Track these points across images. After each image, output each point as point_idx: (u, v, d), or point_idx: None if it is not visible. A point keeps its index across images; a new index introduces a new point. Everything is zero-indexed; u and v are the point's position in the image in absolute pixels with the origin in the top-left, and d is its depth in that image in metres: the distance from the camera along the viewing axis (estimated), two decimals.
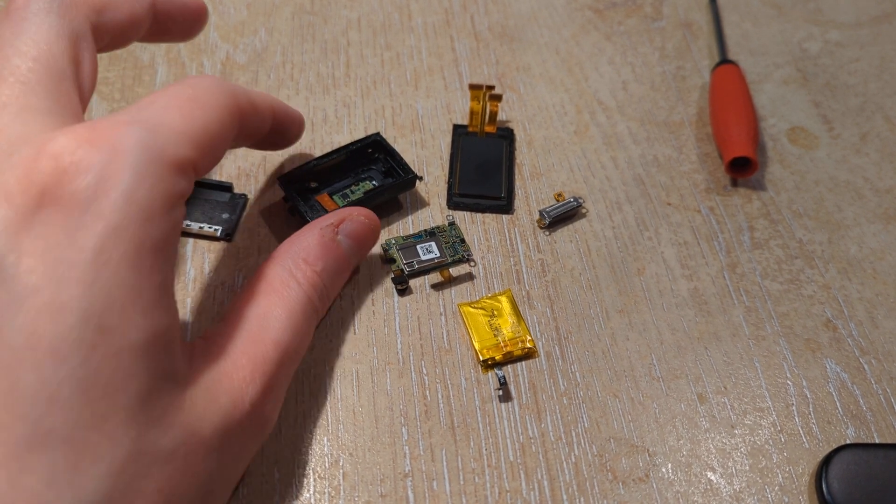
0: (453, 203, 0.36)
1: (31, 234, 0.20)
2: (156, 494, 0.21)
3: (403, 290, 0.33)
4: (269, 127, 0.30)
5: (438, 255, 0.34)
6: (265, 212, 0.35)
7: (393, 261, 0.33)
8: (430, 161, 0.38)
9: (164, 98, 0.24)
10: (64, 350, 0.20)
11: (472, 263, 0.34)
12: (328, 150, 0.38)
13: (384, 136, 0.37)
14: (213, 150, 0.25)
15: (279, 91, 0.40)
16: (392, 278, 0.33)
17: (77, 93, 0.25)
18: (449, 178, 0.37)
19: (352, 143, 0.35)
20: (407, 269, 0.33)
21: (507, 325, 0.32)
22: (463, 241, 0.35)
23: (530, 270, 0.34)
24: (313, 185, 0.35)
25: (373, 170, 0.36)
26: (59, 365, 0.20)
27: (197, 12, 0.34)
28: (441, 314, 0.32)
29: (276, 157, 0.38)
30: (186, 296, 0.32)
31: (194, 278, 0.33)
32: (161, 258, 0.22)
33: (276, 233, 0.35)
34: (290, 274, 0.28)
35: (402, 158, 0.35)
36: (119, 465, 0.21)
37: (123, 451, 0.21)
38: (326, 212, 0.33)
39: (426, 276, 0.34)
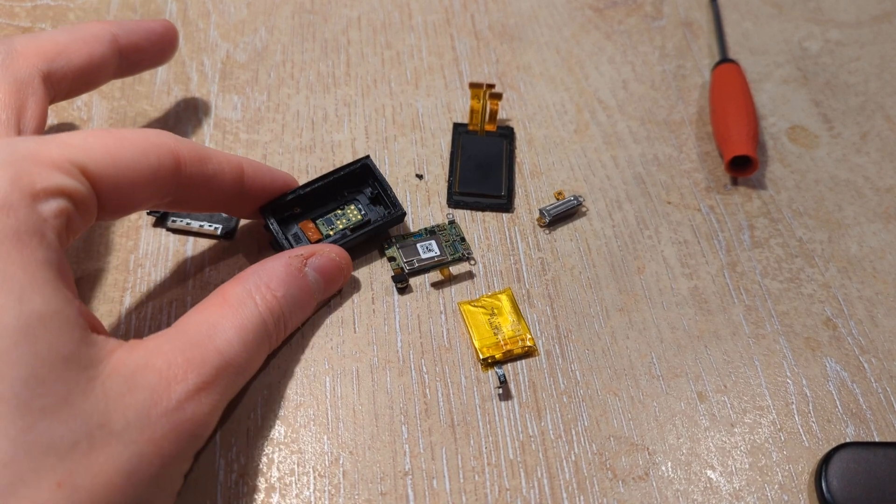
0: (453, 202, 0.36)
1: None
2: (55, 489, 0.20)
3: (403, 289, 0.33)
4: (232, 187, 0.30)
5: (438, 253, 0.34)
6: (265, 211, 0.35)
7: (393, 259, 0.33)
8: (430, 160, 0.38)
9: (86, 130, 0.26)
10: None
11: (473, 262, 0.34)
12: (328, 151, 0.38)
13: (376, 157, 0.36)
14: (120, 172, 0.25)
15: (279, 90, 0.40)
16: (392, 277, 0.33)
17: (13, 134, 0.26)
18: (449, 177, 0.37)
19: (340, 169, 0.34)
20: (407, 268, 0.33)
21: (508, 323, 0.32)
22: (463, 239, 0.35)
23: (530, 269, 0.34)
24: (297, 210, 0.33)
25: (361, 193, 0.35)
26: None
27: (165, 36, 0.35)
28: (441, 312, 0.32)
29: (275, 156, 0.38)
30: (186, 294, 0.32)
31: (194, 277, 0.33)
32: (30, 247, 0.21)
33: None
34: (249, 294, 0.28)
35: (391, 190, 0.34)
36: (6, 456, 0.20)
37: (9, 444, 0.20)
38: (308, 241, 0.33)
39: (426, 275, 0.34)
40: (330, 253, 0.31)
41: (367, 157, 0.34)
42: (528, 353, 0.31)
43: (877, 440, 0.30)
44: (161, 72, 0.41)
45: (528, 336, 0.31)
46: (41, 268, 0.22)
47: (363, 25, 0.44)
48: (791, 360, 0.32)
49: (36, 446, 0.20)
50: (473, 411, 0.30)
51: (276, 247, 0.32)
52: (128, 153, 0.25)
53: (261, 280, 0.28)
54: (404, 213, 0.33)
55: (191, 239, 0.34)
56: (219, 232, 0.34)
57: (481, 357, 0.31)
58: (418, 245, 0.34)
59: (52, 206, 0.22)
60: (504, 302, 0.32)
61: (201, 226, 0.34)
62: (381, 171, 0.37)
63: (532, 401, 0.30)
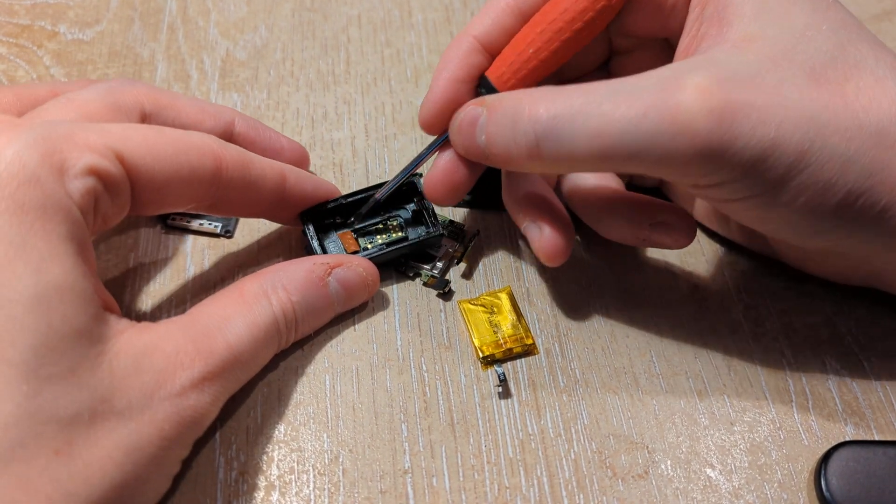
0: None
1: None
2: (53, 456, 0.21)
3: (447, 293, 0.33)
4: (273, 193, 0.30)
5: (448, 245, 0.34)
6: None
7: (419, 275, 0.33)
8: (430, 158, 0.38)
9: (126, 123, 0.26)
10: None
11: (477, 231, 0.34)
12: (328, 149, 0.38)
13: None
14: (160, 165, 0.25)
15: (279, 88, 0.40)
16: (434, 288, 0.33)
17: None
18: None
19: (385, 183, 0.33)
20: (438, 273, 0.33)
21: (507, 321, 0.32)
22: (451, 221, 0.35)
23: (530, 267, 0.34)
24: (337, 220, 0.33)
25: (403, 208, 0.34)
26: None
27: (296, 153, 0.35)
28: (441, 311, 0.32)
29: None
30: (186, 292, 0.32)
31: (194, 275, 0.33)
32: (54, 221, 0.22)
33: (276, 230, 0.35)
34: (265, 293, 0.28)
35: (433, 208, 0.33)
36: (8, 419, 0.20)
37: (13, 406, 0.20)
38: (345, 252, 0.32)
39: (455, 268, 0.33)
40: (357, 267, 0.31)
41: (419, 173, 0.34)
42: (528, 351, 0.31)
43: (876, 438, 0.30)
44: (161, 70, 0.41)
45: (528, 334, 0.31)
46: (63, 241, 0.22)
47: (363, 23, 0.44)
48: (791, 359, 0.32)
49: (39, 413, 0.21)
50: (473, 410, 0.30)
51: (309, 252, 0.32)
52: (168, 148, 0.26)
53: (279, 281, 0.28)
54: (441, 235, 0.33)
55: (190, 237, 0.34)
56: (219, 230, 0.34)
57: (481, 355, 0.31)
58: (428, 250, 0.34)
59: (80, 184, 0.23)
60: (504, 300, 0.32)
61: (201, 224, 0.34)
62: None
63: (532, 399, 0.30)
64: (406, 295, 0.33)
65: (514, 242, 0.35)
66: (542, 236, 0.30)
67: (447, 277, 0.33)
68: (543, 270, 0.34)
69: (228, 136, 0.32)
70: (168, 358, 0.24)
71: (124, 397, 0.23)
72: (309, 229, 0.32)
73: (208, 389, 0.25)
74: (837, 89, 0.25)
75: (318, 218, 0.32)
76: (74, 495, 0.21)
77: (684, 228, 0.30)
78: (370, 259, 0.32)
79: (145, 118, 0.29)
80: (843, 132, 0.24)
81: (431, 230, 0.33)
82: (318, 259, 0.30)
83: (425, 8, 0.45)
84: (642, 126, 0.24)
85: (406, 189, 0.34)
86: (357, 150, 0.38)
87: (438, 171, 0.30)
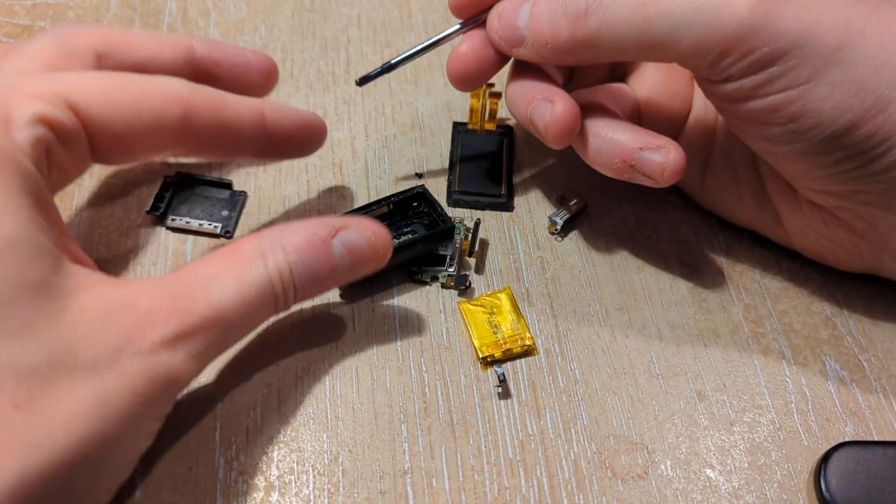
0: (453, 200, 0.36)
1: None
2: (11, 409, 0.20)
3: (467, 289, 0.33)
4: (253, 132, 0.29)
5: (454, 241, 0.34)
6: (265, 209, 0.36)
7: (436, 278, 0.33)
8: (430, 158, 0.38)
9: (83, 72, 0.26)
10: None
11: (478, 220, 0.34)
12: (328, 149, 0.38)
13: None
14: (117, 113, 0.25)
15: (279, 88, 0.40)
16: (453, 288, 0.33)
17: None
18: (449, 176, 0.37)
19: (395, 195, 0.33)
20: (454, 272, 0.33)
21: (507, 322, 0.32)
22: (451, 218, 0.34)
23: (530, 268, 0.34)
24: None
25: (415, 223, 0.34)
26: None
27: (260, 66, 0.34)
28: (440, 311, 0.32)
29: (282, 166, 0.38)
30: None
31: None
32: (5, 175, 0.21)
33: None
34: (261, 253, 0.26)
35: (442, 209, 0.33)
36: None
37: None
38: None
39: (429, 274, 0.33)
40: (366, 230, 0.28)
41: (423, 185, 0.34)
42: (528, 351, 0.31)
43: (876, 439, 0.30)
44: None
45: (528, 335, 0.31)
46: (14, 193, 0.22)
47: (363, 24, 0.44)
48: (790, 359, 0.32)
49: None
50: (473, 410, 0.30)
51: None
52: (127, 95, 0.25)
53: (277, 241, 0.26)
54: (452, 228, 0.33)
55: (190, 238, 0.34)
56: (218, 231, 0.34)
57: (481, 356, 0.31)
58: (436, 252, 0.34)
59: (28, 134, 0.22)
60: (503, 301, 0.32)
61: (200, 224, 0.34)
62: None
63: (531, 399, 0.30)
64: (406, 295, 0.33)
65: (513, 243, 0.35)
66: (553, 111, 0.29)
67: (464, 273, 0.33)
68: (543, 271, 0.34)
69: (191, 62, 0.31)
70: (140, 315, 0.23)
71: (89, 351, 0.22)
72: None
73: (182, 348, 0.23)
74: (873, 7, 0.26)
75: None
76: (37, 448, 0.21)
77: (674, 153, 0.29)
78: (393, 264, 0.31)
79: (100, 59, 0.28)
80: (877, 38, 0.26)
81: (442, 225, 0.33)
82: (324, 220, 0.28)
83: (425, 8, 0.45)
84: None
85: (415, 203, 0.34)
86: (357, 150, 0.38)
87: (467, 47, 0.31)
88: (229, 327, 0.25)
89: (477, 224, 0.34)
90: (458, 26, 0.32)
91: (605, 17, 0.27)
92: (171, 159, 0.37)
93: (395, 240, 0.33)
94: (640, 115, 0.35)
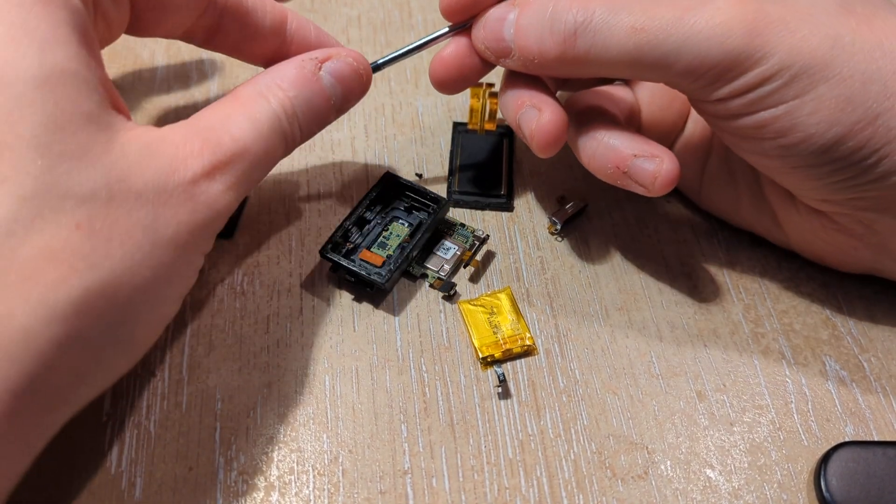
0: (453, 200, 0.36)
1: None
2: (73, 229, 0.21)
3: (452, 296, 0.33)
4: (270, 32, 0.30)
5: (457, 247, 0.34)
6: (265, 209, 0.36)
7: (426, 275, 0.33)
8: (430, 159, 0.38)
9: None
10: None
11: (486, 236, 0.34)
12: (328, 149, 0.38)
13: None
14: None
15: None
16: (439, 291, 0.33)
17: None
18: (449, 176, 0.37)
19: (369, 192, 0.34)
20: (444, 276, 0.33)
21: (507, 322, 0.32)
22: (462, 224, 0.35)
23: (530, 268, 0.34)
24: (350, 245, 0.33)
25: (396, 209, 0.34)
26: None
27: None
28: (440, 311, 0.32)
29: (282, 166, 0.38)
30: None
31: None
32: (53, 6, 0.22)
33: (276, 230, 0.35)
34: (261, 93, 0.27)
35: (423, 189, 0.34)
36: (26, 191, 0.20)
37: (30, 180, 0.21)
38: (374, 266, 0.32)
39: (462, 270, 0.34)
40: (347, 57, 0.30)
41: (387, 172, 0.34)
42: (528, 352, 0.31)
43: (876, 439, 0.30)
44: (161, 69, 0.41)
45: (528, 335, 0.31)
46: (64, 27, 0.22)
47: (363, 24, 0.44)
48: (790, 359, 0.32)
49: (55, 187, 0.21)
50: (473, 410, 0.30)
51: (357, 278, 0.32)
52: None
53: (272, 81, 0.28)
54: (447, 200, 0.33)
55: None
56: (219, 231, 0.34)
57: (481, 356, 0.31)
58: (436, 252, 0.34)
59: None
60: (503, 301, 0.32)
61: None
62: (381, 170, 0.37)
63: (531, 400, 0.30)
64: (406, 295, 0.33)
65: (513, 243, 0.35)
66: (541, 119, 0.29)
67: (453, 280, 0.33)
68: (543, 271, 0.34)
69: None
70: (177, 146, 0.24)
71: (139, 179, 0.23)
72: (338, 258, 0.32)
73: (220, 179, 0.25)
74: (864, 20, 0.27)
75: (336, 249, 0.32)
76: (97, 267, 0.22)
77: (668, 162, 0.29)
78: (409, 252, 0.32)
79: None
80: (867, 52, 0.26)
81: (436, 205, 0.33)
82: (306, 55, 0.29)
83: (425, 8, 0.45)
84: (679, 25, 0.26)
85: (386, 188, 0.34)
86: (357, 150, 0.38)
87: (450, 52, 0.31)
88: (253, 160, 0.26)
89: (485, 239, 0.34)
90: (446, 29, 0.32)
91: (594, 40, 0.27)
92: None
93: (388, 230, 0.34)
94: (641, 117, 0.35)
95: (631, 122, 0.34)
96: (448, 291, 0.32)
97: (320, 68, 0.29)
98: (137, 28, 0.27)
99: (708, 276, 0.34)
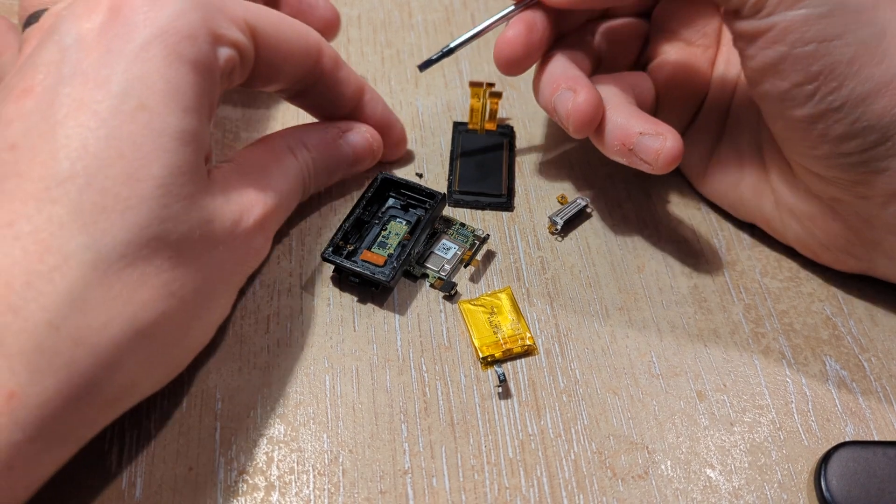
0: (453, 200, 0.36)
1: (94, 32, 0.25)
2: (166, 259, 0.25)
3: (453, 296, 0.33)
4: (351, 99, 0.34)
5: (457, 247, 0.34)
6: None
7: (426, 275, 0.33)
8: (430, 158, 0.38)
9: (257, 4, 0.29)
10: (104, 113, 0.24)
11: (487, 235, 0.34)
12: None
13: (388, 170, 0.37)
14: (278, 43, 0.29)
15: None
16: (440, 291, 0.33)
17: None
18: (449, 176, 0.37)
19: (364, 193, 0.34)
20: (444, 276, 0.33)
21: (507, 322, 0.32)
22: (462, 224, 0.35)
23: (530, 268, 0.34)
24: (350, 247, 0.33)
25: (392, 208, 0.35)
26: (97, 123, 0.24)
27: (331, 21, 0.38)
28: (441, 311, 0.32)
29: None
30: None
31: None
32: (200, 76, 0.26)
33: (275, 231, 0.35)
34: (290, 149, 0.32)
35: (418, 185, 0.34)
36: (142, 220, 0.24)
37: (147, 211, 0.24)
38: (376, 266, 0.32)
39: (462, 270, 0.33)
40: (365, 133, 0.34)
41: (381, 172, 0.34)
42: (528, 351, 0.31)
43: (876, 439, 0.30)
44: None
45: (528, 335, 0.31)
46: (203, 95, 0.26)
47: (363, 24, 0.44)
48: (790, 359, 0.32)
49: (166, 222, 0.24)
50: (473, 410, 0.30)
51: (361, 279, 0.32)
52: (288, 30, 0.30)
53: (300, 140, 0.32)
54: (444, 196, 0.34)
55: None
56: None
57: (481, 356, 0.31)
58: (436, 251, 0.34)
59: (225, 53, 0.27)
60: (504, 301, 0.32)
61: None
62: (381, 169, 0.37)
63: (531, 399, 0.30)
64: (406, 295, 0.33)
65: (514, 243, 0.35)
66: (576, 100, 0.30)
67: (453, 280, 0.33)
68: (544, 271, 0.34)
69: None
70: (241, 195, 0.28)
71: (220, 223, 0.27)
72: (342, 261, 0.32)
73: (264, 228, 0.29)
74: None
75: (338, 252, 0.32)
76: (174, 296, 0.25)
77: (672, 140, 0.30)
78: (407, 257, 0.32)
79: None
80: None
81: (433, 201, 0.34)
82: (331, 123, 0.34)
83: (425, 8, 0.45)
84: None
85: (381, 189, 0.34)
86: None
87: (513, 33, 0.32)
88: (283, 211, 0.31)
89: (485, 239, 0.34)
90: (512, 7, 0.33)
91: None
92: None
93: (387, 230, 0.34)
94: (658, 101, 0.35)
95: (648, 105, 0.35)
96: (449, 291, 0.32)
97: (342, 137, 0.34)
98: (250, 80, 0.30)
99: (708, 276, 0.34)
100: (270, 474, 0.28)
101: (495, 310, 0.32)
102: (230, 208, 0.27)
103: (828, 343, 0.32)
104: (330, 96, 0.33)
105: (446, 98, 0.40)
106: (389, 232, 0.34)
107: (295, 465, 0.28)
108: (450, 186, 0.37)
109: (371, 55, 0.42)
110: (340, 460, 0.28)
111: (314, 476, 0.28)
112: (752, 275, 0.34)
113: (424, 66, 0.35)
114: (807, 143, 0.29)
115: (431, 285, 0.33)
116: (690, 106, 0.36)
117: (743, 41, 0.29)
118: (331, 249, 0.32)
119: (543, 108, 0.33)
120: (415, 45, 0.43)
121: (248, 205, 0.28)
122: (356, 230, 0.33)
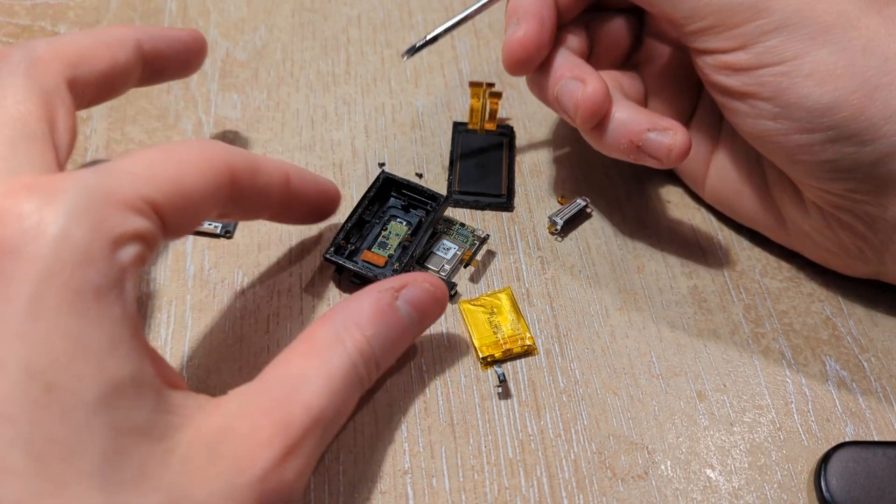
0: (453, 200, 0.36)
1: None
2: None
3: (452, 296, 0.33)
4: (279, 197, 0.28)
5: (457, 247, 0.34)
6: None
7: None
8: (430, 159, 0.38)
9: (140, 151, 0.24)
10: (9, 412, 0.19)
11: (486, 235, 0.34)
12: (328, 149, 0.38)
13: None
14: (185, 200, 0.23)
15: (279, 88, 0.40)
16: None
17: (50, 151, 0.24)
18: (449, 176, 0.37)
19: (367, 193, 0.34)
20: (444, 276, 0.33)
21: (507, 322, 0.32)
22: (462, 224, 0.35)
23: (530, 268, 0.34)
24: (351, 247, 0.33)
25: (392, 208, 0.34)
26: (5, 429, 0.18)
27: (192, 46, 0.33)
28: None
29: (275, 154, 0.38)
30: (186, 293, 0.32)
31: (194, 275, 0.33)
32: (109, 303, 0.20)
33: (275, 231, 0.35)
34: (337, 336, 0.25)
35: (421, 187, 0.34)
36: None
37: None
38: (378, 267, 0.32)
39: (462, 270, 0.33)
40: (423, 283, 0.28)
41: (382, 171, 0.34)
42: (528, 351, 0.31)
43: (876, 439, 0.30)
44: None
45: (528, 335, 0.31)
46: (118, 326, 0.20)
47: (363, 24, 0.44)
48: (790, 359, 0.32)
49: None
50: (473, 410, 0.30)
51: (362, 280, 0.32)
52: (190, 178, 0.24)
53: (350, 320, 0.26)
54: (446, 197, 0.34)
55: (190, 238, 0.34)
56: (219, 231, 0.34)
57: (481, 356, 0.31)
58: (436, 252, 0.34)
59: (129, 253, 0.21)
60: (503, 301, 0.32)
61: (201, 224, 0.34)
62: (381, 169, 0.37)
63: (531, 400, 0.30)
64: None
65: (514, 243, 0.35)
66: (585, 90, 0.29)
67: (453, 280, 0.33)
68: (543, 271, 0.34)
69: (140, 59, 0.30)
70: (244, 439, 0.22)
71: (204, 489, 0.21)
72: (345, 262, 0.32)
73: (292, 464, 0.22)
74: (875, 3, 0.28)
75: (339, 252, 0.32)
76: None
77: (680, 134, 0.29)
78: (409, 260, 0.32)
79: (71, 86, 0.27)
80: (871, 29, 0.27)
81: (434, 203, 0.33)
82: (382, 286, 0.27)
83: (425, 8, 0.45)
84: None
85: (383, 188, 0.34)
86: (357, 150, 0.38)
87: (524, 33, 0.30)
88: (327, 426, 0.24)
89: (485, 239, 0.34)
90: None
91: None
92: None
93: (387, 230, 0.34)
94: (648, 103, 0.35)
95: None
96: (449, 291, 0.32)
97: (397, 298, 0.27)
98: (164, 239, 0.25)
99: (708, 276, 0.34)
100: None
101: (495, 310, 0.32)
102: (219, 467, 0.21)
103: (828, 343, 0.32)
104: (256, 203, 0.28)
105: (446, 98, 0.40)
106: (390, 232, 0.34)
107: None
108: (450, 186, 0.37)
109: (371, 55, 0.42)
110: (340, 460, 0.28)
111: (314, 476, 0.28)
112: (751, 275, 0.34)
113: (409, 52, 0.34)
114: (790, 157, 0.29)
115: None
116: (682, 110, 0.35)
117: (709, 72, 0.30)
118: (332, 249, 0.32)
119: (542, 99, 0.32)
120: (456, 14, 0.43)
121: (253, 448, 0.22)
122: (357, 229, 0.33)
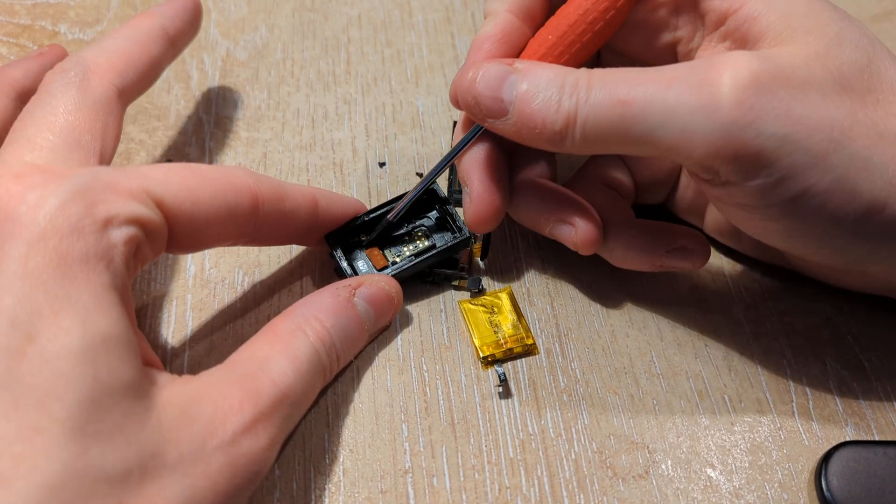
0: (454, 200, 0.36)
1: None
2: None
3: (480, 291, 0.33)
4: (306, 221, 0.30)
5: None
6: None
7: (448, 278, 0.33)
8: (430, 158, 0.38)
9: (169, 164, 0.26)
10: None
11: (487, 235, 0.34)
12: (328, 149, 0.38)
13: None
14: (196, 208, 0.25)
15: (279, 88, 0.40)
16: (467, 289, 0.33)
17: (91, 159, 0.27)
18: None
19: (413, 196, 0.32)
20: (465, 273, 0.33)
21: (508, 321, 0.32)
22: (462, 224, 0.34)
23: (530, 268, 0.34)
24: (362, 238, 0.33)
25: (426, 217, 0.34)
26: None
27: (196, 10, 0.36)
28: (441, 311, 0.32)
29: (276, 154, 0.38)
30: (187, 292, 0.32)
31: (194, 275, 0.33)
32: (97, 271, 0.22)
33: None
34: (299, 327, 0.27)
35: (457, 215, 0.33)
36: (55, 481, 0.19)
37: (60, 467, 0.20)
38: (375, 269, 0.32)
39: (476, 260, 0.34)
40: (379, 282, 0.30)
41: (434, 185, 0.33)
42: (528, 351, 0.31)
43: (876, 439, 0.30)
44: None
45: (528, 334, 0.31)
46: (106, 291, 0.22)
47: (363, 23, 0.44)
48: (791, 359, 0.32)
49: (87, 472, 0.20)
50: (473, 409, 0.30)
51: (340, 274, 0.32)
52: (206, 191, 0.25)
53: (310, 312, 0.28)
54: (469, 239, 0.32)
55: None
56: None
57: (481, 355, 0.31)
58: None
59: (122, 233, 0.23)
60: (504, 300, 0.32)
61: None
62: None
63: (532, 399, 0.30)
64: (406, 295, 0.33)
65: (514, 243, 0.35)
66: (578, 231, 0.30)
67: (478, 277, 0.33)
68: (544, 270, 0.34)
69: (168, 39, 0.33)
70: (215, 404, 0.23)
71: (175, 450, 0.22)
72: (337, 252, 0.31)
73: (262, 432, 0.24)
74: (859, 98, 0.25)
75: (343, 238, 0.32)
76: None
77: (700, 251, 0.30)
78: (398, 273, 0.31)
79: (122, 94, 0.30)
80: (866, 138, 0.24)
81: (458, 235, 0.32)
82: (339, 284, 0.29)
83: (425, 8, 0.45)
84: (667, 94, 0.24)
85: (427, 197, 0.33)
86: (357, 150, 0.38)
87: (477, 201, 0.30)
88: (294, 403, 0.26)
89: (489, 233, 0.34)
90: (463, 140, 0.30)
91: (587, 112, 0.25)
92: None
93: (409, 248, 0.33)
94: (633, 161, 0.34)
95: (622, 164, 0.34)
96: (477, 287, 0.32)
97: (354, 294, 0.29)
98: (177, 249, 0.26)
99: (709, 275, 0.34)
100: (271, 474, 0.28)
101: (496, 309, 0.32)
102: (191, 428, 0.22)
103: (828, 343, 0.32)
104: (282, 228, 0.29)
105: (446, 98, 0.40)
106: (412, 240, 0.33)
107: (295, 464, 0.28)
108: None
109: (371, 55, 0.42)
110: (341, 460, 0.28)
111: (314, 476, 0.28)
112: (752, 275, 0.34)
113: (369, 244, 0.33)
114: (796, 252, 0.29)
115: (456, 287, 0.33)
116: (670, 170, 0.34)
117: (712, 198, 0.28)
118: (337, 234, 0.32)
119: (539, 232, 0.32)
120: (415, 45, 0.43)
121: (224, 413, 0.23)
122: (378, 223, 0.32)
